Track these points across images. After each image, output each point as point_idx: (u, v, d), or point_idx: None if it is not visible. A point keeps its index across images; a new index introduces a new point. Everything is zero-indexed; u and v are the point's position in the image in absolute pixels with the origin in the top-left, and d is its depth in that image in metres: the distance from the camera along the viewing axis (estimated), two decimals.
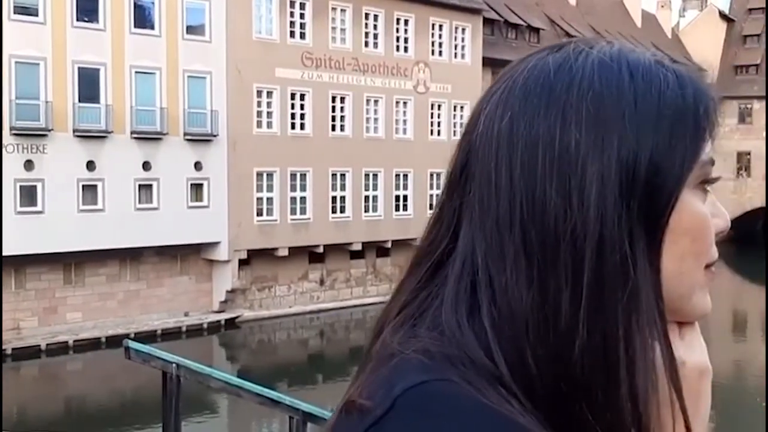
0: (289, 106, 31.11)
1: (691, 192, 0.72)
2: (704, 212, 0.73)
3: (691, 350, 0.76)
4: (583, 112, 0.69)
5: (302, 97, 31.50)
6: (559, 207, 0.68)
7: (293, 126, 31.28)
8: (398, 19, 34.62)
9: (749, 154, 57.97)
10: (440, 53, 36.41)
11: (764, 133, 57.27)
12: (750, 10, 61.35)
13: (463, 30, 37.21)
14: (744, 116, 58.26)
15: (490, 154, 0.71)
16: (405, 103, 35.01)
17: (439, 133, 36.23)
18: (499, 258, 0.69)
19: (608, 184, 0.68)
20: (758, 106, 57.51)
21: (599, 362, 0.67)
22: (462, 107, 36.75)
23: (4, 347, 24.21)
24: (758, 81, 57.84)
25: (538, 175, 0.68)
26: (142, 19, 28.09)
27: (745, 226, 60.22)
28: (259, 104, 30.35)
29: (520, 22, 42.43)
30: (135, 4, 27.79)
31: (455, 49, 36.99)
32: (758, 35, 59.70)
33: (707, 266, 0.75)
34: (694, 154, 0.71)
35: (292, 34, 31.31)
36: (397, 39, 34.73)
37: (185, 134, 28.67)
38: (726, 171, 58.80)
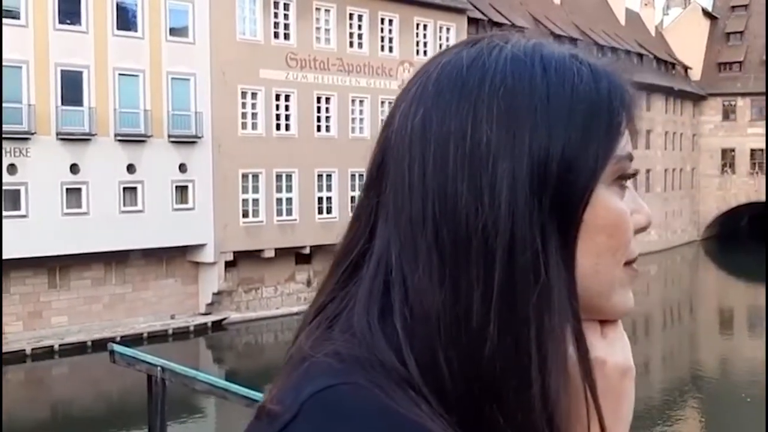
0: (274, 107, 31.02)
1: (607, 188, 0.70)
2: (621, 208, 0.71)
3: (613, 349, 0.74)
4: (494, 107, 0.68)
5: (287, 98, 31.42)
6: (471, 204, 0.66)
7: (278, 127, 31.20)
8: (383, 19, 34.60)
9: (733, 150, 58.34)
10: (425, 53, 36.39)
11: (748, 130, 57.65)
12: (733, 7, 61.74)
13: (448, 30, 37.23)
14: (728, 113, 58.64)
15: (404, 151, 0.70)
16: (390, 103, 34.75)
17: None
18: (412, 256, 0.68)
19: (519, 181, 0.66)
20: (741, 103, 57.89)
21: (510, 363, 0.66)
22: None
23: None
24: (741, 78, 58.22)
25: (450, 172, 0.67)
26: (125, 21, 27.93)
27: (729, 222, 60.68)
28: (243, 105, 30.25)
29: (505, 21, 42.48)
30: (118, 6, 27.63)
31: (440, 48, 36.43)
32: (741, 32, 60.08)
33: (628, 263, 0.74)
34: (609, 149, 0.70)
35: (276, 34, 31.23)
36: (382, 39, 34.71)
37: (169, 136, 28.53)
38: (711, 168, 59.18)
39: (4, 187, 25.19)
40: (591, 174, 0.69)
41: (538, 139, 0.67)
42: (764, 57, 57.71)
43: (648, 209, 0.76)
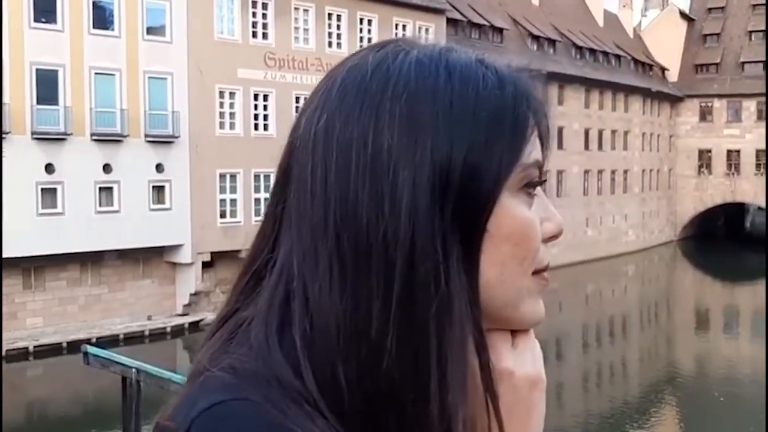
0: (252, 107, 30.88)
1: (514, 195, 0.69)
2: (527, 216, 0.70)
3: (522, 360, 0.73)
4: (396, 113, 0.66)
5: (265, 97, 31.29)
6: (372, 212, 0.65)
7: (256, 127, 31.05)
8: (361, 19, 34.56)
9: (710, 151, 58.85)
10: None
11: (724, 131, 58.17)
12: (710, 9, 62.27)
13: (427, 30, 37.23)
14: (705, 115, 59.13)
15: (307, 158, 0.68)
16: None
17: None
18: (313, 266, 0.66)
19: (420, 189, 0.65)
20: (718, 104, 58.41)
21: (409, 376, 0.64)
22: None
23: None
24: (718, 80, 58.74)
25: (352, 180, 0.65)
26: (102, 19, 27.68)
27: (706, 222, 61.20)
28: (221, 105, 30.08)
29: (484, 22, 42.59)
30: (94, 4, 27.37)
31: None
32: (718, 34, 60.61)
33: (538, 272, 0.72)
34: (514, 156, 0.68)
35: (254, 34, 31.09)
36: (361, 39, 34.64)
37: (146, 136, 28.32)
38: (688, 168, 59.67)
39: None
40: (495, 182, 0.67)
41: (440, 145, 0.66)
42: (740, 59, 58.28)
43: (559, 217, 0.74)
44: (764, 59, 57.01)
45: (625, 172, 53.59)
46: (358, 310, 0.64)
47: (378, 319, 0.64)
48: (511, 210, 0.68)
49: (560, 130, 47.04)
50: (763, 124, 56.65)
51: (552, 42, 47.74)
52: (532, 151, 0.70)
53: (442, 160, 0.65)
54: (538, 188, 0.72)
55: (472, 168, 0.66)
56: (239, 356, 0.65)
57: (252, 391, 0.62)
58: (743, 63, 58.11)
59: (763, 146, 56.74)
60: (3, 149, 25.42)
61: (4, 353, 25.61)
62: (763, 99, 56.54)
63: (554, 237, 0.74)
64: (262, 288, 0.69)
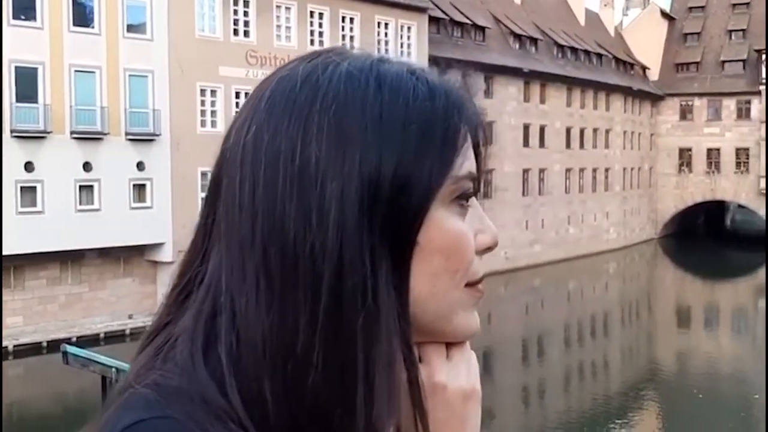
0: (234, 105, 30.76)
1: (445, 208, 0.68)
2: (459, 229, 0.69)
3: (456, 373, 0.73)
4: (324, 125, 0.65)
5: (247, 95, 31.00)
6: (299, 226, 0.64)
7: None
8: (344, 17, 34.54)
9: (690, 150, 59.27)
10: (386, 51, 35.92)
11: (704, 130, 58.59)
12: (690, 8, 62.68)
13: (409, 28, 37.28)
14: (685, 113, 59.53)
15: (236, 170, 0.67)
16: None
17: None
18: (240, 280, 0.65)
19: (348, 202, 0.64)
20: (698, 103, 58.82)
21: (336, 391, 0.64)
22: None
23: None
24: (698, 78, 59.16)
25: (279, 192, 0.65)
26: (82, 16, 27.50)
27: (686, 220, 61.65)
28: (202, 103, 29.98)
29: (466, 20, 42.66)
30: (74, 1, 27.19)
31: (401, 47, 37.03)
32: (698, 34, 61.02)
33: (471, 284, 0.72)
34: (444, 169, 0.68)
35: (235, 32, 31.00)
36: (343, 37, 34.62)
37: (127, 134, 28.18)
38: (668, 167, 60.07)
39: None
40: (425, 194, 0.66)
41: (369, 158, 0.65)
42: (720, 58, 58.72)
43: (494, 229, 0.74)
44: (744, 58, 57.50)
45: (607, 170, 53.87)
46: (284, 324, 0.64)
47: (304, 333, 0.63)
48: (443, 222, 0.68)
49: (542, 129, 47.22)
50: (743, 122, 57.15)
51: (534, 41, 47.90)
52: (464, 162, 0.69)
53: (371, 173, 0.65)
54: (474, 199, 0.73)
55: (401, 180, 0.65)
56: (164, 373, 0.64)
57: (175, 409, 0.61)
58: (723, 62, 58.54)
59: (742, 145, 57.23)
60: None
61: None
62: (743, 98, 57.04)
63: (489, 249, 0.74)
64: (190, 302, 0.69)
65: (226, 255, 0.67)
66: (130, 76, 28.31)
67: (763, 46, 55.71)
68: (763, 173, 55.63)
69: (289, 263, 0.64)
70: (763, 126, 55.86)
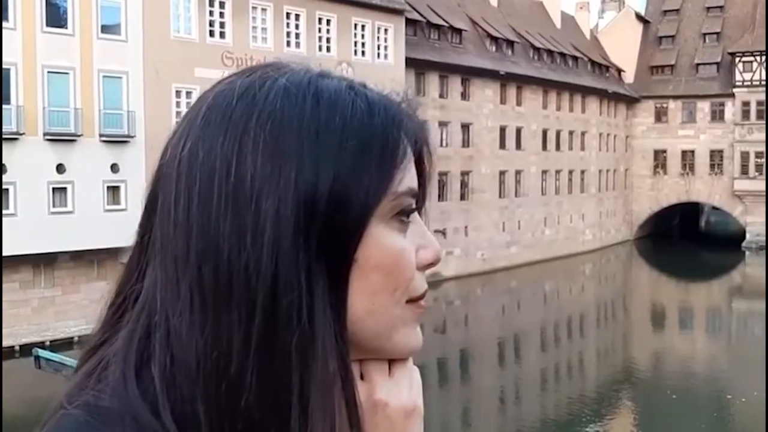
0: None
1: (385, 224, 0.68)
2: (399, 246, 0.69)
3: (398, 390, 0.73)
4: (260, 142, 0.64)
5: None
6: (234, 244, 0.63)
7: None
8: (320, 19, 34.48)
9: (665, 152, 59.74)
10: (363, 53, 36.41)
11: (679, 132, 59.10)
12: (665, 12, 63.18)
13: (386, 30, 37.29)
14: (660, 116, 60.00)
15: (171, 186, 0.67)
16: None
17: None
18: (175, 299, 0.65)
19: (284, 220, 0.63)
20: (673, 105, 59.33)
21: (270, 412, 0.63)
22: None
23: None
24: (673, 81, 59.67)
25: (214, 210, 0.64)
26: (55, 17, 27.23)
27: (661, 222, 62.15)
28: (177, 105, 29.77)
29: (443, 23, 42.75)
30: (47, 1, 26.91)
31: (378, 49, 37.04)
32: (673, 36, 61.53)
33: (413, 301, 0.72)
34: (383, 185, 0.67)
35: (211, 33, 30.85)
36: (320, 39, 34.58)
37: (101, 135, 27.94)
38: (644, 169, 60.52)
39: None
40: (362, 211, 0.66)
41: (305, 175, 0.64)
42: (695, 61, 59.25)
43: (437, 245, 0.73)
44: (718, 61, 58.07)
45: (583, 172, 54.19)
46: (218, 344, 0.63)
47: (238, 353, 0.62)
48: (381, 239, 0.67)
49: (519, 131, 47.42)
50: (717, 125, 57.73)
51: (510, 43, 48.09)
52: (404, 178, 0.69)
53: (307, 190, 0.64)
54: (416, 215, 0.72)
55: (338, 198, 0.65)
56: (95, 393, 0.63)
57: (106, 431, 0.61)
58: (697, 65, 59.09)
59: (716, 147, 57.80)
60: None
61: None
62: (717, 100, 57.61)
63: (431, 264, 0.73)
64: (124, 321, 0.68)
65: (161, 273, 0.66)
66: (104, 77, 28.07)
67: (737, 49, 56.31)
68: (737, 175, 56.25)
69: (223, 282, 0.63)
70: (737, 128, 56.48)
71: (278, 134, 0.65)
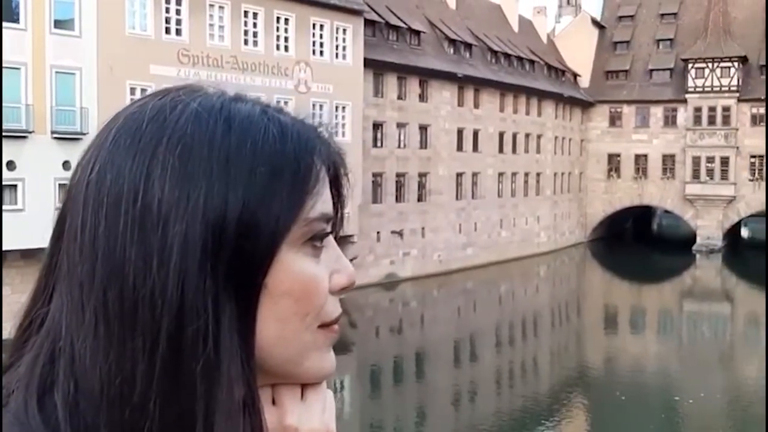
0: None
1: (296, 250, 0.67)
2: (310, 272, 0.68)
3: (310, 415, 0.72)
4: (169, 167, 0.64)
5: None
6: (139, 270, 0.63)
7: None
8: (278, 18, 34.29)
9: (619, 156, 60.59)
10: (321, 53, 36.31)
11: (633, 137, 60.01)
12: (620, 17, 64.07)
13: (344, 30, 37.23)
14: (614, 120, 60.84)
15: (79, 209, 0.66)
16: (286, 102, 34.42)
17: None
18: (79, 324, 0.64)
19: (191, 246, 0.63)
20: (627, 110, 60.20)
21: None
22: (344, 108, 36.79)
23: None
24: (627, 86, 60.56)
25: (120, 235, 0.63)
26: (7, 11, 26.63)
27: (615, 225, 63.03)
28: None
29: (401, 24, 42.82)
30: None
31: (337, 49, 36.96)
32: (627, 42, 62.43)
33: (327, 325, 0.71)
34: (294, 211, 0.67)
35: (167, 30, 30.48)
36: (278, 38, 34.39)
37: (53, 132, 27.46)
38: (598, 172, 61.31)
39: None
40: (272, 238, 0.65)
41: (214, 201, 0.63)
42: (648, 67, 60.22)
43: (351, 268, 0.73)
44: (671, 67, 59.09)
45: (538, 174, 54.72)
46: (122, 370, 0.62)
47: (142, 381, 0.62)
48: (292, 266, 0.67)
49: (476, 133, 47.71)
50: (669, 129, 58.73)
51: (468, 46, 48.37)
52: (317, 203, 0.68)
53: (216, 217, 0.63)
54: (330, 238, 0.71)
55: (247, 224, 0.64)
56: None
57: None
58: (651, 70, 60.04)
59: (668, 151, 58.79)
60: None
61: None
62: (669, 105, 58.63)
63: (345, 288, 0.73)
64: (29, 346, 0.67)
65: (66, 298, 0.65)
66: (56, 73, 27.59)
67: (689, 56, 57.35)
68: (689, 179, 57.30)
69: (128, 308, 0.63)
70: (689, 133, 57.55)
71: (187, 159, 0.64)
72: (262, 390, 0.69)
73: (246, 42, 33.05)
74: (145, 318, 0.62)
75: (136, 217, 0.63)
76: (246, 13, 33.01)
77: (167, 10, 30.47)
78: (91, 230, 0.64)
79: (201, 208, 0.63)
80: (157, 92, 0.70)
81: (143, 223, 0.63)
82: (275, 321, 0.67)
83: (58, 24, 27.74)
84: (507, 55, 51.90)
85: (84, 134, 27.99)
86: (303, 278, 0.68)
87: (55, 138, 27.52)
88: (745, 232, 68.57)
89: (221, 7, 32.16)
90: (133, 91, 29.36)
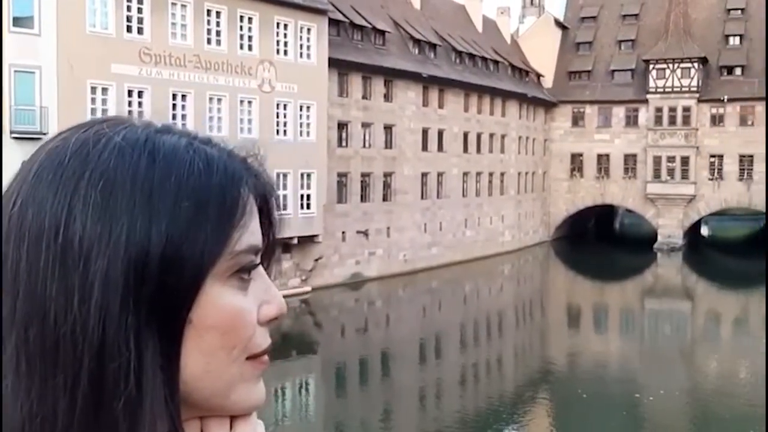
0: (126, 104, 29.92)
1: (222, 284, 0.67)
2: (236, 306, 0.68)
3: None
4: (90, 202, 0.63)
5: (140, 94, 30.38)
6: (60, 307, 0.62)
7: None
8: (242, 17, 34.08)
9: (581, 155, 61.18)
10: (285, 52, 36.16)
11: (595, 136, 60.64)
12: (583, 18, 64.68)
13: (309, 30, 37.12)
14: (577, 120, 61.40)
15: None
16: (250, 102, 34.53)
17: (285, 133, 36.00)
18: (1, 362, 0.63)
19: (113, 282, 0.62)
20: (590, 110, 60.80)
21: None
22: (308, 107, 36.68)
23: None
24: (590, 86, 61.17)
25: (41, 271, 0.62)
26: None
27: (578, 224, 63.65)
28: (93, 101, 29.01)
29: (366, 24, 42.80)
30: None
31: (301, 48, 36.83)
32: (590, 43, 63.05)
33: (255, 356, 0.71)
34: (219, 245, 0.66)
35: (129, 28, 30.13)
36: (241, 37, 34.18)
37: (12, 132, 27.02)
38: (561, 172, 61.86)
39: None
40: (196, 272, 0.65)
41: (136, 237, 0.63)
42: (610, 68, 60.88)
43: (280, 299, 0.73)
44: (633, 68, 59.81)
45: (502, 174, 55.06)
46: (43, 408, 0.61)
47: (63, 418, 0.61)
48: (218, 299, 0.67)
49: (441, 133, 47.87)
50: (631, 129, 59.44)
51: (433, 46, 48.50)
52: (243, 236, 0.68)
53: (138, 252, 0.63)
54: (260, 269, 0.71)
55: (171, 260, 0.64)
56: None
57: None
58: (613, 71, 60.69)
59: (630, 151, 59.50)
60: None
61: None
62: (631, 106, 59.34)
63: (274, 319, 0.72)
64: None
65: None
66: (16, 71, 27.16)
67: (650, 57, 58.08)
68: (650, 178, 58.04)
69: (49, 345, 0.62)
70: (650, 133, 58.30)
71: (110, 194, 0.63)
72: (190, 423, 0.69)
73: (209, 41, 32.80)
74: (67, 355, 0.61)
75: (58, 253, 0.62)
76: (209, 11, 32.76)
77: (128, 8, 30.12)
78: (12, 266, 0.63)
79: (123, 243, 0.63)
80: (81, 125, 0.69)
81: (65, 259, 0.62)
82: (201, 355, 0.66)
83: (17, 22, 27.31)
84: (471, 56, 52.13)
85: (44, 134, 27.57)
86: (229, 312, 0.67)
87: (15, 138, 27.08)
88: (705, 231, 69.68)
89: (184, 6, 31.87)
90: (94, 89, 29.00)
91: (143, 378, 0.63)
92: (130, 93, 30.04)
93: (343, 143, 40.36)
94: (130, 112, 30.17)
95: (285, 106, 36.02)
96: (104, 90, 29.35)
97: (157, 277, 0.63)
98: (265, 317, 0.71)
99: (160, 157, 0.66)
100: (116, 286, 0.62)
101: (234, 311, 0.68)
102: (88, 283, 0.62)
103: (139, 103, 30.41)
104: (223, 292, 0.67)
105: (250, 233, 0.69)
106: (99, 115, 29.77)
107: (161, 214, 0.64)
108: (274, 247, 0.73)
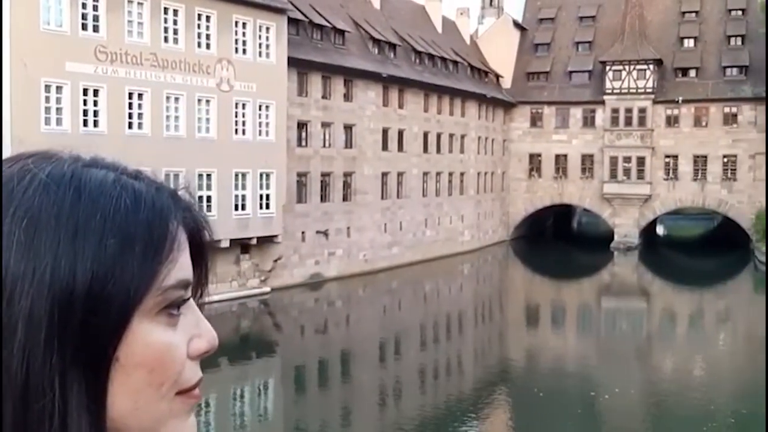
0: (81, 103, 29.47)
1: (150, 320, 0.67)
2: (164, 342, 0.68)
3: None
4: (14, 241, 0.62)
5: (96, 93, 29.92)
6: None
7: (86, 123, 29.66)
8: (200, 15, 33.76)
9: (540, 155, 61.75)
10: (244, 51, 35.91)
11: (553, 137, 61.25)
12: (541, 20, 65.27)
13: (268, 29, 36.91)
14: (535, 120, 61.95)
15: None
16: (208, 101, 34.22)
17: (244, 132, 35.75)
18: None
19: (36, 322, 0.61)
20: (548, 111, 61.39)
21: None
22: (267, 107, 36.48)
23: None
24: (548, 87, 61.76)
25: None
26: None
27: (536, 223, 64.25)
28: (47, 100, 28.50)
29: (326, 23, 42.70)
30: None
31: (260, 47, 36.60)
32: (548, 44, 63.65)
33: (185, 391, 0.70)
34: (146, 282, 0.66)
35: (84, 26, 29.65)
36: (199, 35, 33.86)
37: None
38: (520, 172, 62.38)
39: None
40: (122, 310, 0.64)
41: (61, 275, 0.62)
42: (568, 69, 61.53)
43: (212, 333, 0.72)
44: (590, 69, 60.51)
45: (462, 174, 55.34)
46: None
47: None
48: (145, 336, 0.66)
49: (401, 133, 47.96)
50: (588, 130, 60.14)
51: (392, 46, 48.57)
52: (172, 271, 0.67)
53: (63, 291, 0.62)
54: (191, 303, 0.70)
55: (96, 298, 0.63)
56: None
57: None
58: (570, 72, 61.35)
59: (587, 151, 60.19)
60: None
61: None
62: (588, 107, 60.04)
63: (205, 353, 0.72)
64: None
65: None
66: None
67: (607, 58, 58.82)
68: (607, 179, 58.79)
69: None
70: (606, 134, 59.05)
71: (34, 232, 0.62)
72: None
73: (166, 39, 32.43)
74: None
75: None
76: (166, 9, 32.40)
77: (84, 6, 29.65)
78: None
79: (47, 282, 0.62)
80: (7, 159, 0.68)
81: None
82: (129, 393, 0.66)
83: None
84: (431, 56, 52.31)
85: None
86: (157, 349, 0.67)
87: None
88: (660, 230, 70.82)
89: (140, 3, 31.48)
90: (48, 88, 28.50)
91: (68, 419, 0.62)
92: (85, 92, 29.58)
93: (303, 143, 40.22)
94: (85, 111, 29.74)
95: (244, 105, 35.78)
96: (59, 89, 28.86)
97: (83, 316, 0.63)
98: (195, 352, 0.71)
99: (86, 193, 0.65)
100: (40, 325, 0.61)
101: (162, 348, 0.67)
102: (11, 323, 0.61)
103: (95, 102, 29.96)
104: (151, 328, 0.67)
105: (179, 268, 0.68)
106: (54, 114, 29.39)
107: (86, 252, 0.63)
108: (206, 280, 0.72)
